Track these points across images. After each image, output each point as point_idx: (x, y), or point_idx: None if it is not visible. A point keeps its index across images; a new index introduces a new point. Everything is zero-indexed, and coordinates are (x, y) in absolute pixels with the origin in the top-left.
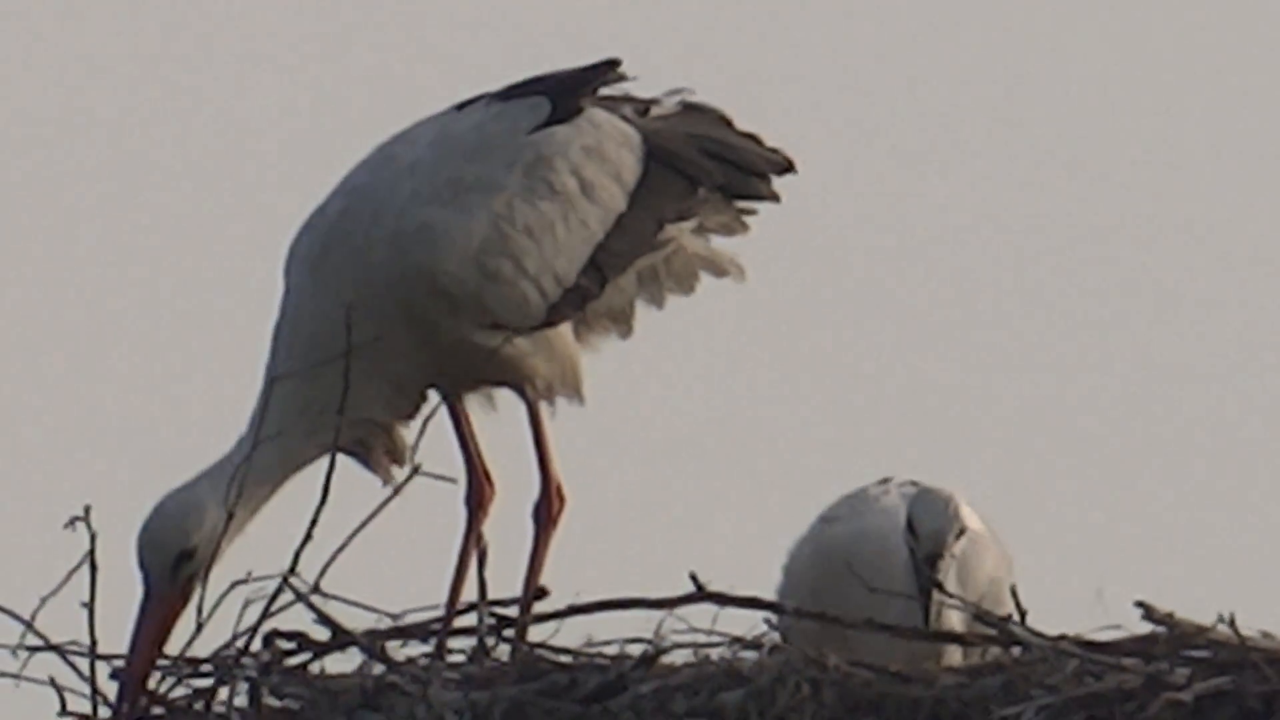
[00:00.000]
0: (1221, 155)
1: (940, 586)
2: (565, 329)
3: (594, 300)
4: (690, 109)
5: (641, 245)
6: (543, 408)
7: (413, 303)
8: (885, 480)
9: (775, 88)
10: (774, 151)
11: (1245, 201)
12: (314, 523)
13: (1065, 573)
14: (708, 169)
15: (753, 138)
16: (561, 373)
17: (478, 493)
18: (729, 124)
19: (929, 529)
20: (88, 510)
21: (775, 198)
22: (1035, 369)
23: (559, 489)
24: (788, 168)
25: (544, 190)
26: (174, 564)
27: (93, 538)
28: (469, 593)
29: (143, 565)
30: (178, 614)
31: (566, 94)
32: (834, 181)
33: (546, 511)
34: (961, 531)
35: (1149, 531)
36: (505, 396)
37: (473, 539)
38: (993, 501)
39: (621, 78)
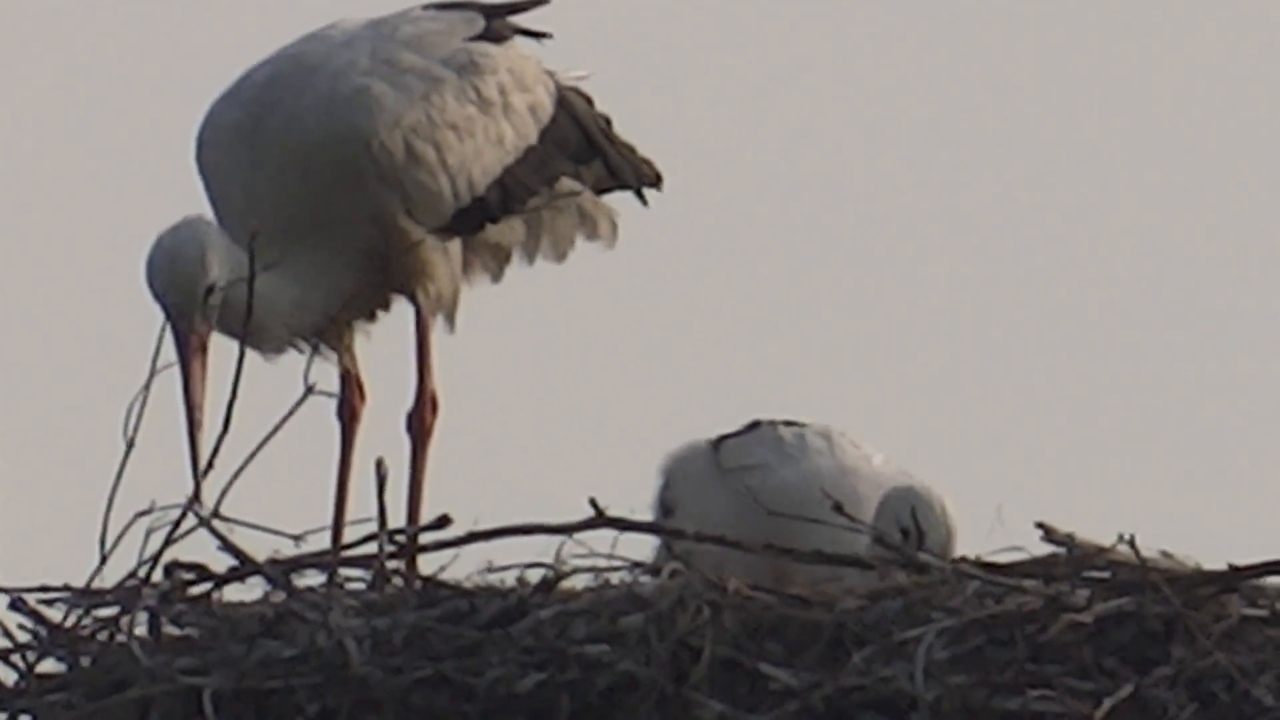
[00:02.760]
0: (1198, 152)
1: (840, 509)
2: (457, 248)
3: (492, 223)
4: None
5: (540, 184)
6: (430, 319)
7: (343, 167)
8: (770, 423)
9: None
10: (646, 163)
11: (1199, 180)
12: (215, 451)
13: (965, 494)
14: (602, 145)
15: (629, 146)
16: (450, 290)
17: (350, 403)
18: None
19: (936, 542)
20: None
21: (643, 202)
22: (931, 289)
23: (433, 398)
24: (656, 181)
25: (472, 94)
26: (203, 299)
27: None
28: (361, 509)
29: (171, 309)
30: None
31: (498, 17)
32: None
33: (420, 420)
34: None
35: (1048, 451)
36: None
37: (350, 451)
38: (891, 425)
39: (542, 35)
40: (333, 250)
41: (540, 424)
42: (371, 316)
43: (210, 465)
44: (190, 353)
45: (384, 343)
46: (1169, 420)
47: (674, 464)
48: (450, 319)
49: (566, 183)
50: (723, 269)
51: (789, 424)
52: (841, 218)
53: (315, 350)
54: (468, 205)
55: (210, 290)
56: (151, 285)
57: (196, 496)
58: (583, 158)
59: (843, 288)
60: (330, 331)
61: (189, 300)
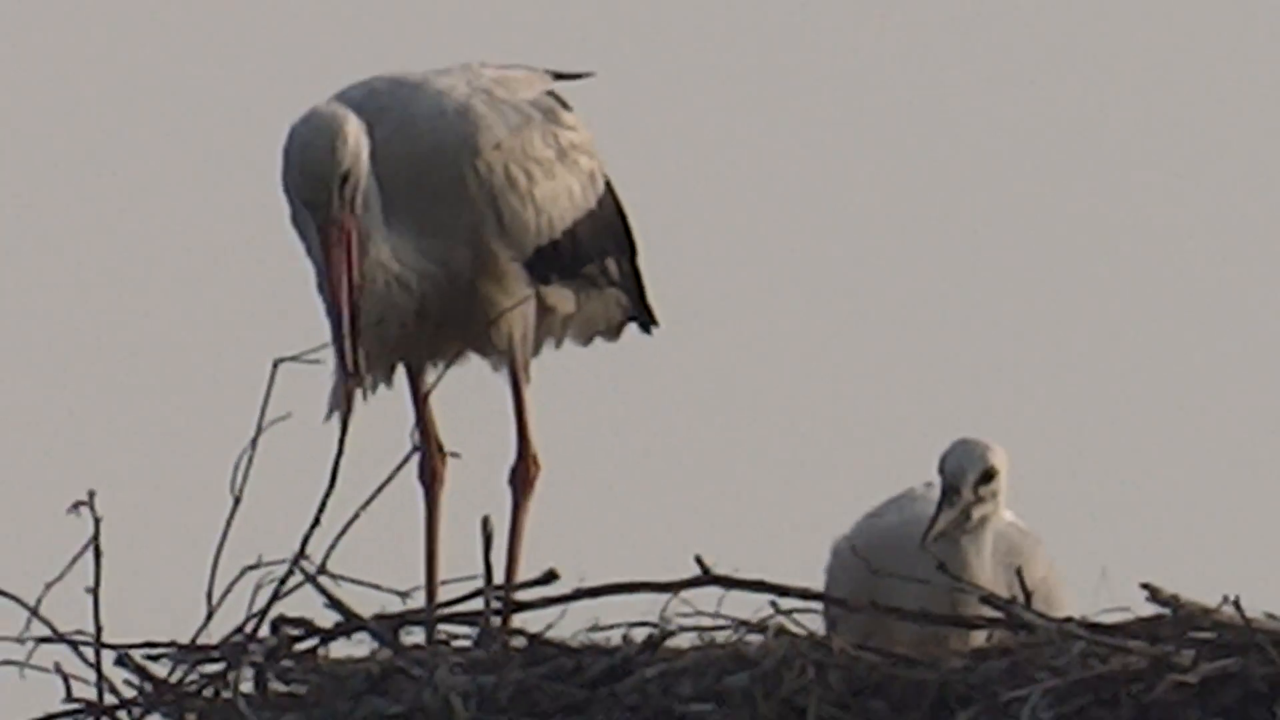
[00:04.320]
0: (1199, 152)
1: (944, 568)
2: (533, 302)
3: (560, 276)
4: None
5: (594, 253)
6: (523, 374)
7: (449, 178)
8: (928, 484)
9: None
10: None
11: (1217, 197)
12: (322, 507)
13: (1071, 555)
14: (635, 241)
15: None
16: (522, 331)
17: (431, 465)
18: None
19: (951, 465)
20: (92, 495)
21: (646, 330)
22: (1039, 349)
23: (535, 456)
24: (652, 319)
25: (552, 140)
26: (340, 187)
27: (97, 523)
28: (456, 566)
29: (307, 203)
30: (357, 235)
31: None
32: (838, 184)
33: (523, 475)
34: (989, 476)
35: (1154, 513)
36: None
37: (435, 514)
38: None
39: (583, 75)
40: (431, 257)
41: (646, 481)
42: (446, 354)
43: (317, 521)
44: (331, 244)
45: (469, 403)
46: (1275, 482)
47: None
48: (526, 365)
49: (610, 264)
50: (837, 324)
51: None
52: (935, 272)
53: (385, 375)
54: (545, 245)
55: (346, 179)
56: (285, 179)
57: (302, 552)
58: (621, 247)
59: (944, 342)
60: (415, 358)
61: (323, 188)
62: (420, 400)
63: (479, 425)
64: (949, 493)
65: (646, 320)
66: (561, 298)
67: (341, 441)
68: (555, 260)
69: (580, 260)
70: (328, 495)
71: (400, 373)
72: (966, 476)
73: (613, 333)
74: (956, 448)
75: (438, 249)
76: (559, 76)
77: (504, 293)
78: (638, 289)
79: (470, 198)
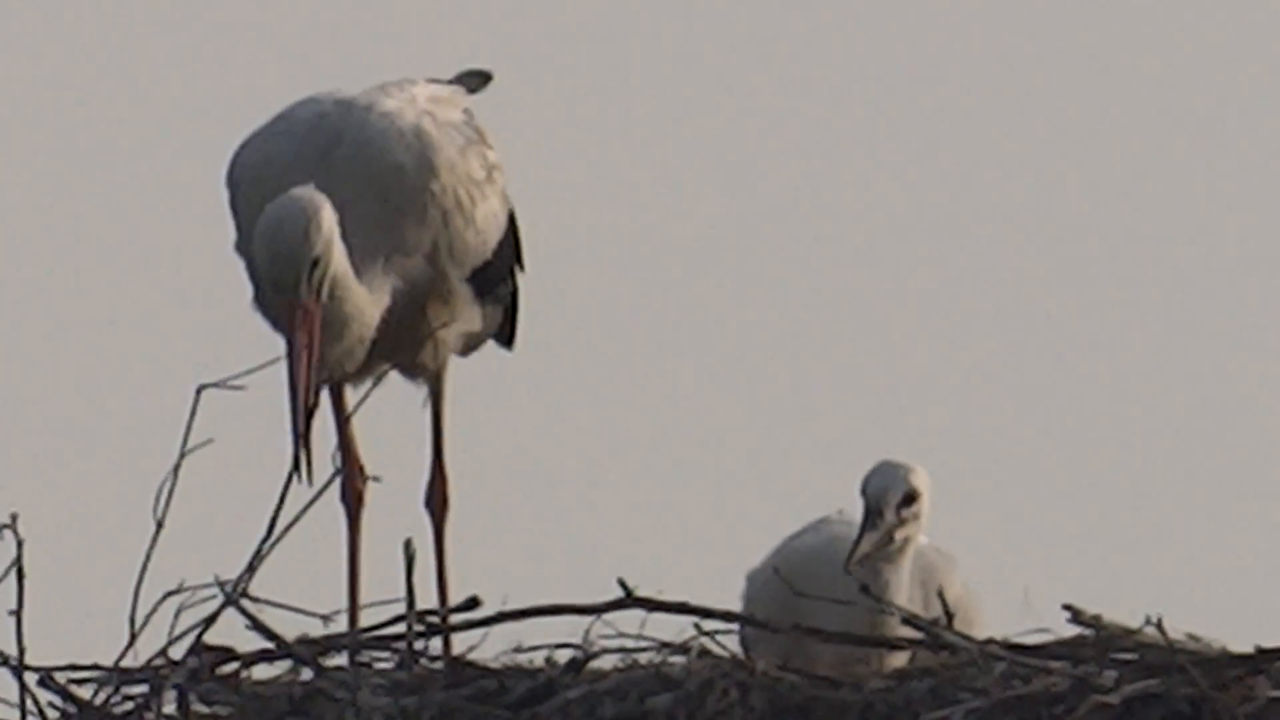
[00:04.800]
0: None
1: (866, 589)
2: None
3: (480, 295)
4: None
5: (503, 271)
6: (444, 392)
7: (414, 195)
8: (841, 511)
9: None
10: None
11: (1146, 233)
12: (267, 540)
13: (992, 576)
14: (523, 262)
15: None
16: (449, 359)
17: (353, 486)
18: None
19: (874, 487)
20: (14, 517)
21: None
22: (957, 370)
23: (446, 475)
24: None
25: (482, 160)
26: (309, 272)
27: (20, 544)
28: (382, 588)
29: (274, 284)
30: (317, 318)
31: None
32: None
33: (439, 495)
34: (911, 498)
35: (1075, 533)
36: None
37: (357, 535)
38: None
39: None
40: (388, 275)
41: (569, 502)
42: (372, 373)
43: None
44: (295, 326)
45: (380, 422)
46: (1196, 503)
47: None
48: (448, 384)
49: (508, 281)
50: (755, 350)
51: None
52: (852, 300)
53: (308, 414)
54: (479, 265)
55: (316, 263)
56: (255, 259)
57: (241, 581)
58: (516, 264)
59: (867, 369)
60: (345, 377)
61: (291, 272)
62: (343, 421)
63: (390, 446)
64: (871, 515)
65: (510, 336)
66: (477, 315)
67: (282, 496)
68: (484, 280)
69: (496, 279)
70: (265, 540)
71: (382, 396)
72: (889, 498)
73: (476, 347)
74: (879, 469)
75: (399, 266)
76: (457, 80)
77: (449, 313)
78: (513, 305)
79: (428, 219)
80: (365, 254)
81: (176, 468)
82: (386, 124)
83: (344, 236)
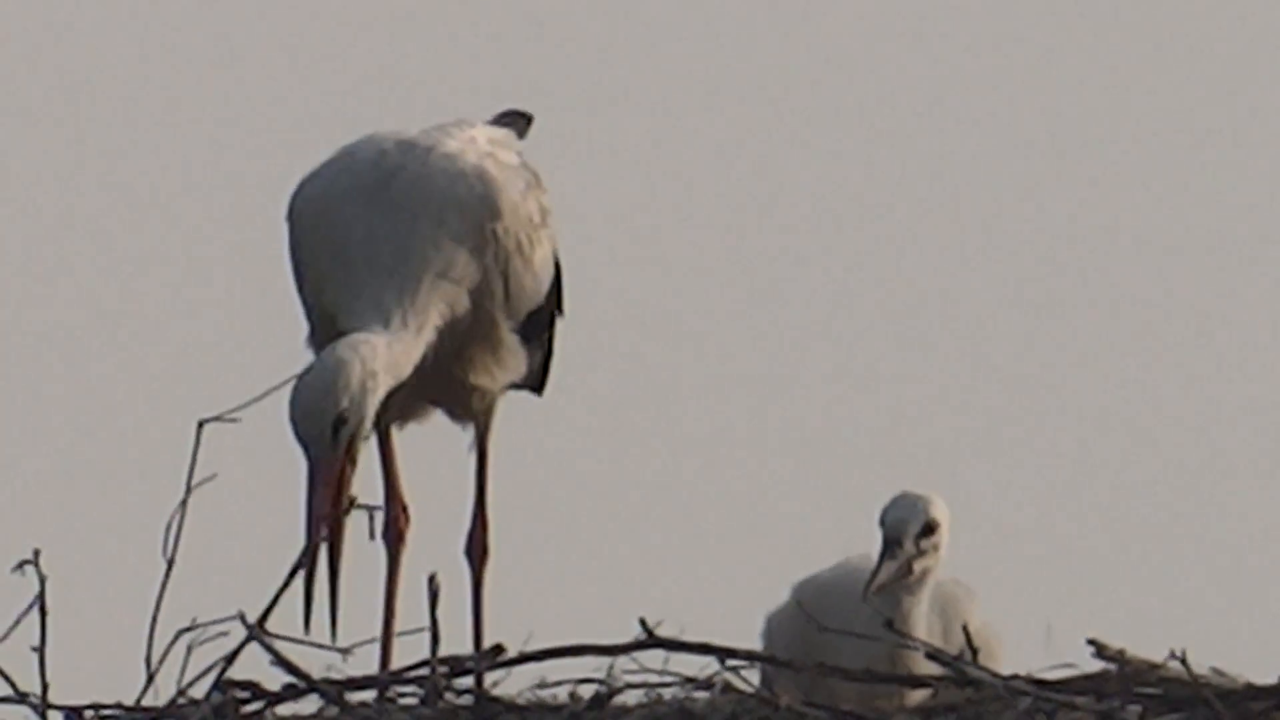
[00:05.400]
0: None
1: (890, 625)
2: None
3: (527, 341)
4: None
5: (548, 318)
6: (488, 438)
7: (470, 225)
8: (864, 555)
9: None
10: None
11: (1148, 260)
12: (293, 576)
13: (1016, 611)
14: (563, 308)
15: None
16: (493, 406)
17: (395, 525)
18: None
19: (893, 518)
20: (37, 554)
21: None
22: (981, 405)
23: (488, 523)
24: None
25: (537, 205)
26: (332, 430)
27: (42, 581)
28: (408, 621)
29: (300, 439)
30: (348, 475)
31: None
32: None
33: (479, 543)
34: (930, 529)
35: (1100, 568)
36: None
37: (397, 571)
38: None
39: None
40: (434, 304)
41: (594, 541)
42: (418, 415)
43: (284, 589)
44: (316, 482)
45: (423, 467)
46: (1221, 537)
47: None
48: (493, 430)
49: (551, 328)
50: (777, 388)
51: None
52: (872, 334)
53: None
54: (532, 311)
55: (342, 420)
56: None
57: (263, 620)
58: (557, 311)
59: (889, 404)
60: (388, 418)
61: (316, 430)
62: (389, 460)
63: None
64: (890, 545)
65: (543, 381)
66: (523, 363)
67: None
68: (531, 326)
69: (541, 325)
70: (291, 575)
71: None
72: (908, 529)
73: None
74: (898, 501)
75: (445, 293)
76: (500, 121)
77: (496, 361)
78: (548, 351)
79: (484, 261)
80: (407, 282)
81: (184, 503)
82: (448, 164)
83: (390, 252)
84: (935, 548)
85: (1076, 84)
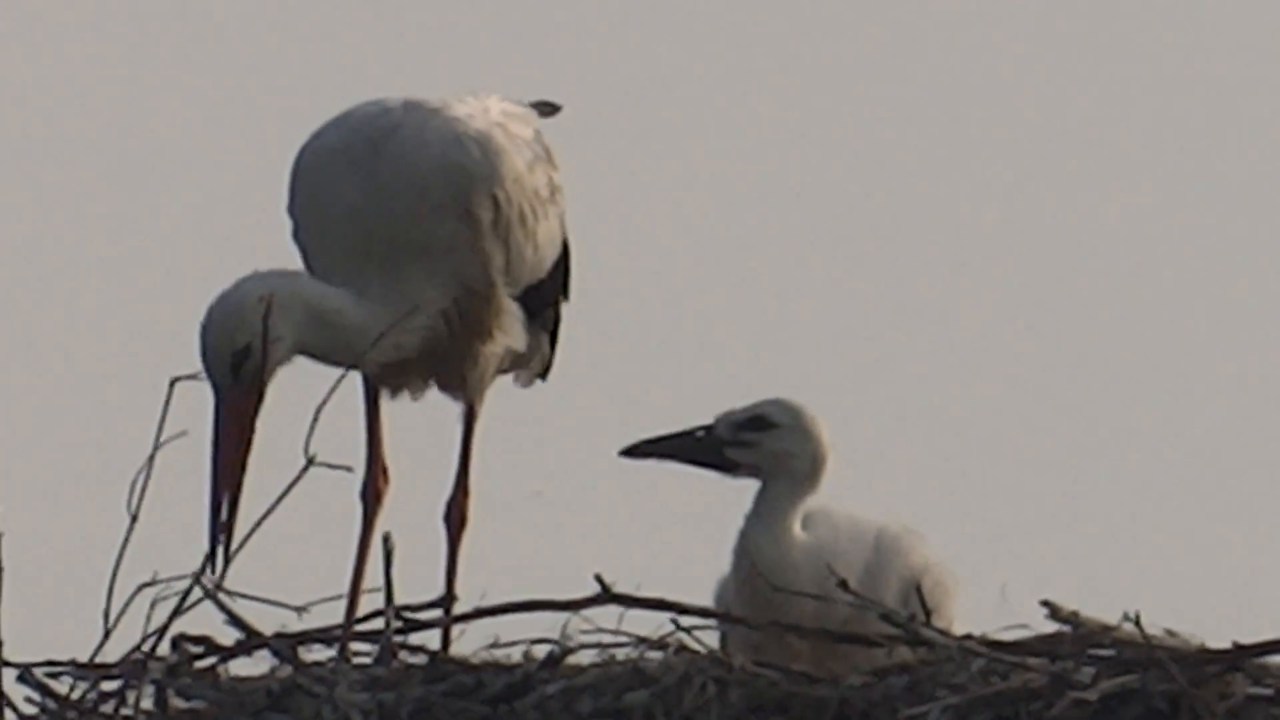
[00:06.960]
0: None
1: (845, 585)
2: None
3: (529, 317)
4: None
5: (551, 295)
6: (478, 410)
7: (460, 195)
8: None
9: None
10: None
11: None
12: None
13: (970, 572)
14: (569, 290)
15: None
16: (491, 378)
17: (374, 486)
18: None
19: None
20: None
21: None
22: (933, 365)
23: (469, 491)
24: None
25: (547, 180)
26: (231, 365)
27: None
28: (372, 587)
29: (207, 371)
30: (253, 413)
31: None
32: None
33: (459, 512)
34: (759, 426)
35: (1053, 529)
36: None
37: (370, 533)
38: (896, 503)
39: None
40: (421, 279)
41: (548, 499)
42: (412, 385)
43: (228, 539)
44: (221, 420)
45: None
46: (1174, 498)
47: None
48: (482, 403)
49: (555, 307)
50: (729, 345)
51: None
52: (833, 291)
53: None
54: (533, 284)
55: (245, 354)
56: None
57: (205, 569)
58: (563, 292)
59: (846, 360)
60: (385, 382)
61: (217, 364)
62: (373, 421)
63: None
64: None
65: (547, 365)
66: (523, 336)
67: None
68: (534, 301)
69: (544, 302)
70: (228, 540)
71: (356, 385)
72: (731, 415)
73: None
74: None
75: (437, 266)
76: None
77: (500, 327)
78: (554, 334)
79: (480, 228)
80: (388, 260)
81: (150, 460)
82: (448, 127)
83: (372, 226)
84: (774, 456)
85: (1077, 83)
